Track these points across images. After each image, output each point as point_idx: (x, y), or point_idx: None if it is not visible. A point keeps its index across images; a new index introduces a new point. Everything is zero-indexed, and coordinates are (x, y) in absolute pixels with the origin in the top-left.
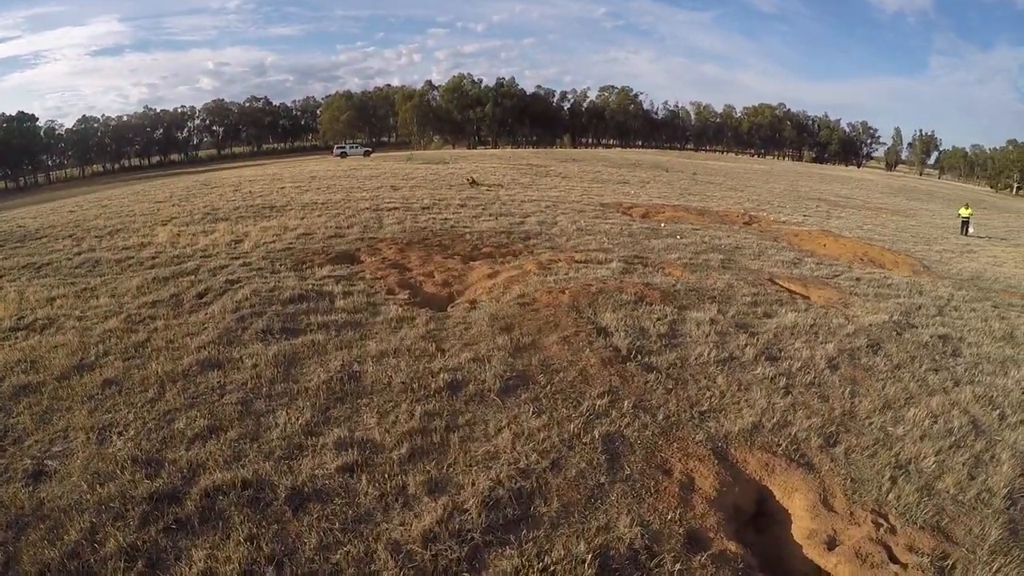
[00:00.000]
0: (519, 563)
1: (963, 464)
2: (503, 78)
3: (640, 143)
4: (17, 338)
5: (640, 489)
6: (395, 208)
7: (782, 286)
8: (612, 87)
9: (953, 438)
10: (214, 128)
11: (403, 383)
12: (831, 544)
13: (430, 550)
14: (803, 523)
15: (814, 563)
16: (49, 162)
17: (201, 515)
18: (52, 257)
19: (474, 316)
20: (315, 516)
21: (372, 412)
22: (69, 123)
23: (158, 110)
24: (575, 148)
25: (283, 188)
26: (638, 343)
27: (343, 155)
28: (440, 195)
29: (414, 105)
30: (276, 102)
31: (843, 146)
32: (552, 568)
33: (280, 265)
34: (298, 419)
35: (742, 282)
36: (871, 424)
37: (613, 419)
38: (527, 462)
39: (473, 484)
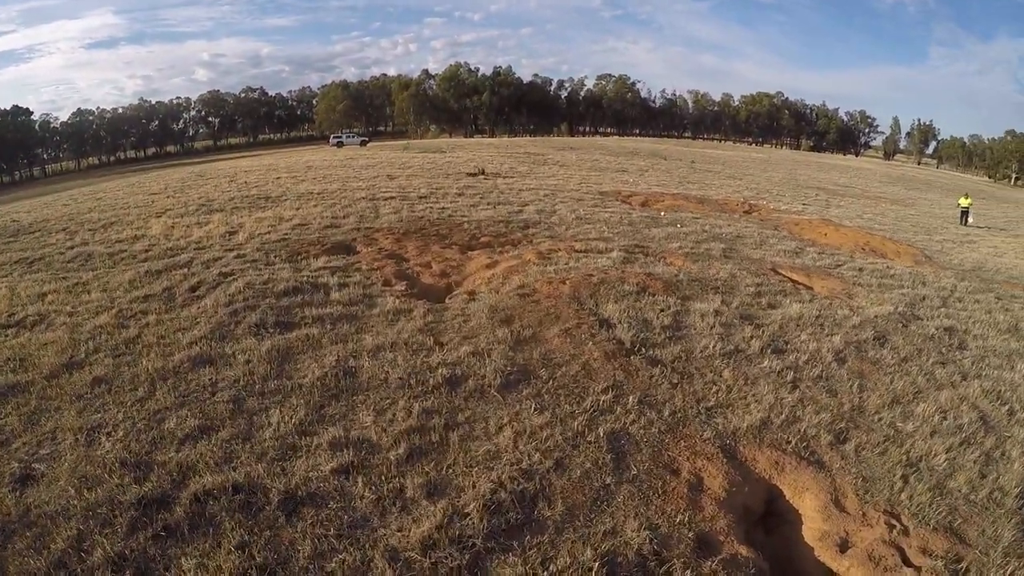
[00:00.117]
0: (523, 572)
1: (974, 462)
2: (500, 67)
3: (638, 131)
4: (7, 336)
5: (647, 490)
6: (392, 197)
7: (785, 276)
8: (610, 76)
9: (963, 435)
10: (210, 119)
11: (400, 379)
12: (843, 546)
13: (429, 558)
14: (814, 524)
15: (826, 566)
16: (45, 156)
17: (191, 521)
18: (45, 252)
19: (473, 308)
20: (309, 522)
21: (368, 410)
22: (64, 116)
23: (153, 102)
24: (572, 136)
25: (279, 178)
26: (642, 335)
27: (339, 145)
28: (437, 184)
29: (411, 94)
30: (272, 92)
31: (841, 135)
32: None
33: (275, 257)
34: (291, 418)
35: (745, 272)
36: (880, 420)
37: (618, 416)
38: (530, 462)
39: (474, 486)
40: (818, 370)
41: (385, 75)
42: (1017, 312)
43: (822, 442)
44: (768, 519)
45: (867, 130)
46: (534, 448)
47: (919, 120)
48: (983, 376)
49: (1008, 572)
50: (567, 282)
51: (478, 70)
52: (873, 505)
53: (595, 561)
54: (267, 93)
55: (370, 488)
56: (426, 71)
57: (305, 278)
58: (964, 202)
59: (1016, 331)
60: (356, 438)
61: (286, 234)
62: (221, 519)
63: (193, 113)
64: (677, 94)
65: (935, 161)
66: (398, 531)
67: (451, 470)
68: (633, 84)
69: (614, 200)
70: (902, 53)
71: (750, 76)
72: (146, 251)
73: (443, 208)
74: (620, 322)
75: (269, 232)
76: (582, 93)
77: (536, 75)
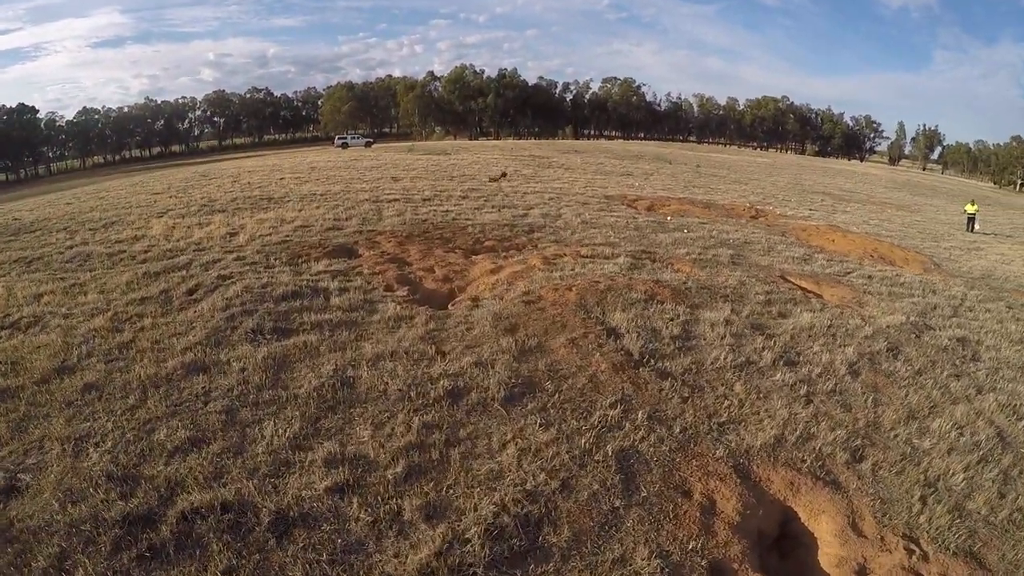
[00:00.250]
0: None
1: (992, 481)
2: (505, 69)
3: (642, 135)
4: (0, 338)
5: (658, 514)
6: (395, 200)
7: (795, 284)
8: (615, 79)
9: (980, 452)
10: (215, 119)
11: (400, 390)
12: (862, 573)
13: None
14: (831, 549)
15: None
16: (50, 154)
17: (177, 542)
18: (44, 251)
19: (476, 315)
20: (301, 545)
21: (366, 423)
22: (70, 115)
23: (159, 101)
24: (577, 140)
25: (282, 179)
26: (650, 346)
27: (344, 146)
28: (441, 186)
29: (416, 96)
30: (277, 93)
31: (846, 140)
32: None
33: (275, 259)
34: (286, 431)
35: (754, 279)
36: (896, 437)
37: (627, 432)
38: (534, 483)
39: (475, 509)
40: (832, 383)
41: (390, 76)
42: None
43: (838, 461)
44: (782, 542)
45: (872, 135)
46: (539, 467)
47: (924, 125)
48: (998, 389)
49: None
50: (573, 289)
51: (483, 72)
52: (891, 529)
53: None
54: (272, 93)
55: (366, 509)
56: (431, 73)
57: (305, 282)
58: (970, 208)
59: None
60: (352, 454)
61: (287, 236)
62: (208, 540)
63: (198, 113)
64: (682, 97)
65: (940, 167)
66: (394, 557)
67: (451, 491)
68: (638, 87)
69: (620, 204)
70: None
71: (756, 80)
72: (145, 252)
73: (447, 211)
74: (628, 331)
75: (270, 234)
76: (587, 96)
77: (541, 77)
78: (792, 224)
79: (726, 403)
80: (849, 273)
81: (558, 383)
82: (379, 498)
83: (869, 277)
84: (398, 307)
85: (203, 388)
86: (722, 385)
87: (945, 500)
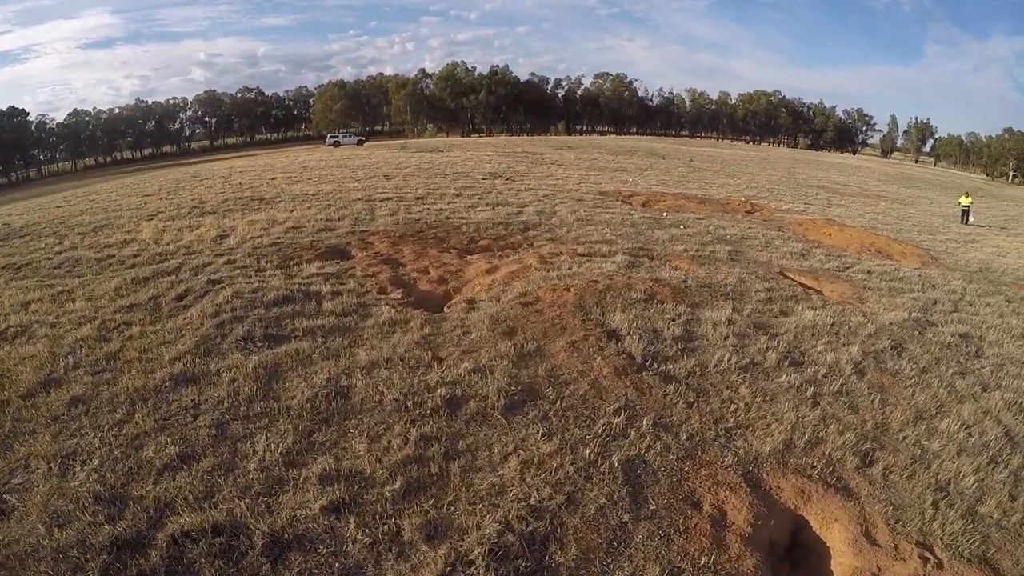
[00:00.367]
0: None
1: (1003, 483)
2: (497, 66)
3: (635, 130)
4: None
5: (668, 528)
6: (388, 199)
7: (794, 280)
8: (607, 74)
9: (989, 453)
10: (206, 119)
11: (396, 400)
12: None
13: None
14: (844, 559)
15: None
16: (41, 156)
17: (167, 568)
18: (32, 257)
19: (473, 318)
20: (296, 570)
21: (361, 436)
22: (60, 117)
23: (150, 102)
24: (570, 135)
25: (274, 179)
26: (652, 348)
27: (336, 144)
28: (434, 184)
29: (407, 93)
30: (269, 92)
31: (839, 133)
32: None
33: (266, 262)
34: (278, 445)
35: (753, 276)
36: (906, 439)
37: (632, 441)
38: (539, 498)
39: (478, 528)
40: (838, 384)
41: (382, 74)
42: None
43: (848, 466)
44: (794, 551)
45: (864, 128)
46: (543, 481)
47: (916, 118)
48: (1003, 387)
49: None
50: (571, 289)
51: (475, 69)
52: (905, 536)
53: None
54: (264, 93)
55: (363, 530)
56: (423, 70)
57: (296, 286)
58: (964, 201)
59: None
60: (348, 470)
61: (279, 238)
62: (200, 566)
63: (190, 113)
64: (674, 92)
65: (932, 159)
66: None
67: (452, 508)
68: (630, 83)
69: (614, 200)
70: (898, 51)
71: (747, 74)
72: (135, 256)
73: (440, 209)
74: (629, 333)
75: (261, 236)
76: (579, 92)
77: (533, 74)
78: (788, 219)
79: (732, 407)
80: (848, 268)
81: (559, 389)
82: (377, 517)
83: (868, 272)
84: (392, 311)
85: (192, 401)
86: (727, 388)
87: (957, 504)
